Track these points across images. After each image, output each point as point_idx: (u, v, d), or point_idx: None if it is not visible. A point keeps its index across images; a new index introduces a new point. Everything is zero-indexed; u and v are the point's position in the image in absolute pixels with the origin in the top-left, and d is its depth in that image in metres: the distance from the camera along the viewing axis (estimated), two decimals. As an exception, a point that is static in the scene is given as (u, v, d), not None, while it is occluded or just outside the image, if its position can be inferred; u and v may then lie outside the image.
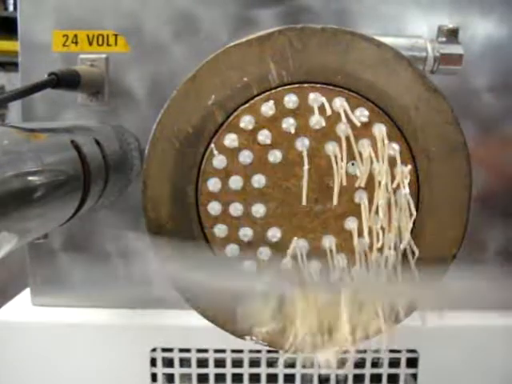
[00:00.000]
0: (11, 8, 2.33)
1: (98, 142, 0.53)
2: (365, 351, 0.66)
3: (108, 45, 0.63)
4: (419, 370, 0.67)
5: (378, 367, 0.67)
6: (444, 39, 0.57)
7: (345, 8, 0.63)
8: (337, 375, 0.66)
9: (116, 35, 0.63)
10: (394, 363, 0.67)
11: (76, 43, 0.63)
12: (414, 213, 0.42)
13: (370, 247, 0.43)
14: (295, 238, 0.43)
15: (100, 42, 0.63)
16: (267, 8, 0.62)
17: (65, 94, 0.62)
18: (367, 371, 0.66)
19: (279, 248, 0.43)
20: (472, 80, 0.63)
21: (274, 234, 0.43)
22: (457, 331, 0.67)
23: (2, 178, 0.36)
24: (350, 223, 0.42)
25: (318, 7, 0.62)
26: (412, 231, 0.43)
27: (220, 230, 0.43)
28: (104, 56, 0.63)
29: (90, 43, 0.63)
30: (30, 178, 0.40)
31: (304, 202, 0.42)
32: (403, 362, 0.67)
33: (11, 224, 0.38)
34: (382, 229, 0.42)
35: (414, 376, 0.67)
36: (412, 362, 0.67)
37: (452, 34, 0.57)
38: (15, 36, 0.64)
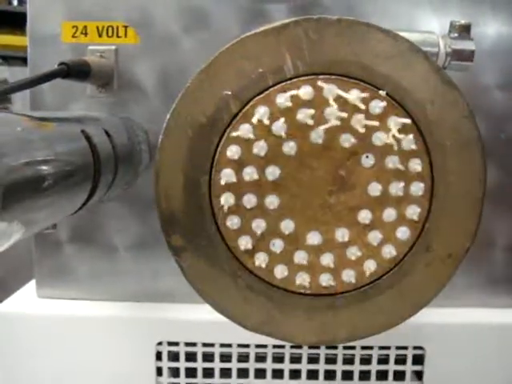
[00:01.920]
0: (15, 3, 2.32)
1: (107, 133, 0.53)
2: (371, 347, 0.66)
3: (118, 36, 0.63)
4: (425, 366, 0.67)
5: (385, 364, 0.67)
6: (456, 35, 0.57)
7: (356, 3, 0.63)
8: (343, 371, 0.66)
9: (126, 27, 0.63)
10: (401, 360, 0.67)
11: (86, 34, 0.63)
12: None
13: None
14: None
15: (110, 34, 0.63)
16: (278, 2, 0.62)
17: (74, 85, 0.61)
18: (373, 368, 0.66)
19: (292, 240, 0.43)
20: (483, 76, 0.63)
21: (287, 225, 0.43)
22: (463, 328, 0.67)
23: (14, 165, 0.36)
24: (364, 216, 0.42)
25: (330, 2, 0.62)
26: (424, 225, 0.43)
27: (233, 222, 0.42)
28: (113, 47, 0.63)
29: (100, 35, 0.63)
30: (41, 166, 0.40)
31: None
32: (409, 359, 0.67)
33: (21, 213, 0.38)
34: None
35: (420, 373, 0.67)
36: (418, 359, 0.67)
37: (464, 30, 0.57)
38: (19, 30, 0.64)
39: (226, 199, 0.42)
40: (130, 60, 0.63)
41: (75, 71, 0.56)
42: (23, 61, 0.65)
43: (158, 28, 0.63)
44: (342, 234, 0.43)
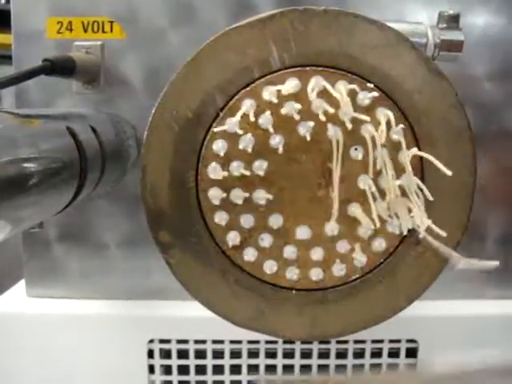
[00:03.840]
0: (3, 1, 2.29)
1: (94, 129, 0.52)
2: (364, 341, 0.65)
3: (103, 32, 0.62)
4: (419, 359, 0.66)
5: (378, 357, 0.66)
6: (445, 25, 0.56)
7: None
8: (336, 365, 0.66)
9: (111, 22, 0.62)
10: (394, 353, 0.67)
11: (71, 30, 0.62)
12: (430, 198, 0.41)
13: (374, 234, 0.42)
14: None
15: (95, 29, 0.62)
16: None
17: (60, 81, 0.61)
18: (367, 361, 0.66)
19: (281, 235, 0.42)
20: (472, 66, 0.63)
21: (276, 220, 0.42)
22: (456, 321, 0.66)
23: (-3, 163, 0.35)
24: (354, 209, 0.42)
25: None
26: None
27: (221, 217, 0.42)
28: (99, 43, 0.62)
29: (85, 30, 0.62)
30: (25, 164, 0.39)
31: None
32: (403, 352, 0.66)
33: (5, 212, 0.37)
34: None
35: (414, 366, 0.67)
36: (411, 352, 0.67)
37: (453, 20, 0.56)
38: (7, 29, 0.63)
39: (214, 194, 0.41)
40: (116, 55, 0.62)
41: (59, 67, 0.55)
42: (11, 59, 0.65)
43: (144, 23, 0.62)
44: (331, 228, 0.42)
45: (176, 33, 0.62)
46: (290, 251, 0.42)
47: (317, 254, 0.42)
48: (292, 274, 0.43)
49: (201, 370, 0.66)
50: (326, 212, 0.42)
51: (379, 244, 0.43)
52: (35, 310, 0.66)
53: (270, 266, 0.43)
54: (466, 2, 0.62)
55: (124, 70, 0.63)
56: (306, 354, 0.66)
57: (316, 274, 0.43)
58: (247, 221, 0.42)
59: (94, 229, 0.66)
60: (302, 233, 0.42)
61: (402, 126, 0.41)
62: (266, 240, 0.42)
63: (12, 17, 0.62)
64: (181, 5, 0.61)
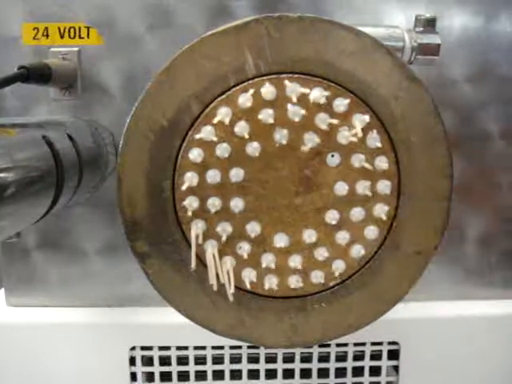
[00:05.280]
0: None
1: (70, 137, 0.52)
2: (346, 345, 0.66)
3: (80, 37, 0.61)
4: (401, 361, 0.67)
5: (360, 360, 0.67)
6: (421, 29, 0.56)
7: (322, -1, 0.62)
8: (319, 369, 0.66)
9: (88, 28, 0.61)
10: (376, 355, 0.67)
11: (47, 36, 0.61)
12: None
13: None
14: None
15: (72, 35, 0.61)
16: (242, -1, 0.61)
17: (36, 88, 0.60)
18: (349, 364, 0.66)
19: (259, 243, 0.42)
20: (449, 70, 0.63)
21: (253, 228, 0.42)
22: (438, 322, 0.67)
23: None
24: (331, 216, 0.42)
25: (295, -1, 0.62)
26: (392, 224, 0.43)
27: (198, 226, 0.42)
28: (76, 49, 0.61)
29: (62, 36, 0.61)
30: (1, 174, 0.39)
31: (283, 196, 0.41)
32: (385, 354, 0.67)
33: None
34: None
35: (396, 368, 0.67)
36: (393, 354, 0.67)
37: (429, 24, 0.57)
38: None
39: (190, 203, 0.41)
40: (93, 61, 0.62)
41: (36, 74, 0.54)
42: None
43: (121, 28, 0.61)
44: (309, 235, 0.42)
45: (153, 38, 0.61)
46: (268, 259, 0.42)
47: (295, 261, 0.42)
48: (271, 281, 0.43)
49: (183, 376, 0.66)
50: (304, 219, 0.42)
51: (358, 250, 0.43)
52: (15, 319, 0.65)
53: (248, 275, 0.43)
54: (443, 5, 0.63)
55: (101, 75, 0.62)
56: (289, 359, 0.66)
57: (295, 282, 0.43)
58: (225, 229, 0.42)
59: (73, 236, 0.65)
60: (280, 240, 0.42)
61: (377, 131, 0.41)
62: (244, 248, 0.42)
63: (-13, 23, 0.62)
64: (158, 10, 0.61)
